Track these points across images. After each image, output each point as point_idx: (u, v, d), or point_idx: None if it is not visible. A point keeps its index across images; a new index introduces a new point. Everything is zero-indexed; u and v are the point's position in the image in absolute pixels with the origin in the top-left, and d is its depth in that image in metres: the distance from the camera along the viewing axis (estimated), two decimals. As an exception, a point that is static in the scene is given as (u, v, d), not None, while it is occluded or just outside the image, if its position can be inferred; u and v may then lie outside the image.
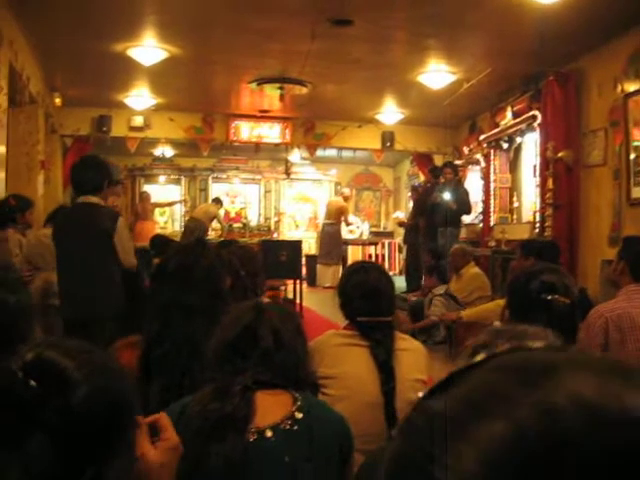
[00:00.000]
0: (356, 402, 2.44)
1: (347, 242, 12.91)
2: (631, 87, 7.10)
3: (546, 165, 8.14)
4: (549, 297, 2.20)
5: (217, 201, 13.43)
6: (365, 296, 2.66)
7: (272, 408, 1.69)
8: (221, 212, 14.18)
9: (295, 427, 1.67)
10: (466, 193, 9.64)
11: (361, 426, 2.11)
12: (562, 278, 2.31)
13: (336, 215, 12.29)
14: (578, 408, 0.38)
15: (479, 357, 0.46)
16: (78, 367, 0.93)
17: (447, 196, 9.27)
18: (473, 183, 11.03)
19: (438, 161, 12.11)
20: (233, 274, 3.78)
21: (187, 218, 13.96)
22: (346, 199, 12.85)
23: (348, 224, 13.20)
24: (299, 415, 1.70)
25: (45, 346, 0.96)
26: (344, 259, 11.87)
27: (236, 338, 1.79)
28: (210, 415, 1.61)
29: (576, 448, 0.36)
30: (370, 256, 13.89)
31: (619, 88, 7.33)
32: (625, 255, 3.87)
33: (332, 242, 12.00)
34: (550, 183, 8.07)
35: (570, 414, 0.38)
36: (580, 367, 0.42)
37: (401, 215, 13.52)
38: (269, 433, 1.65)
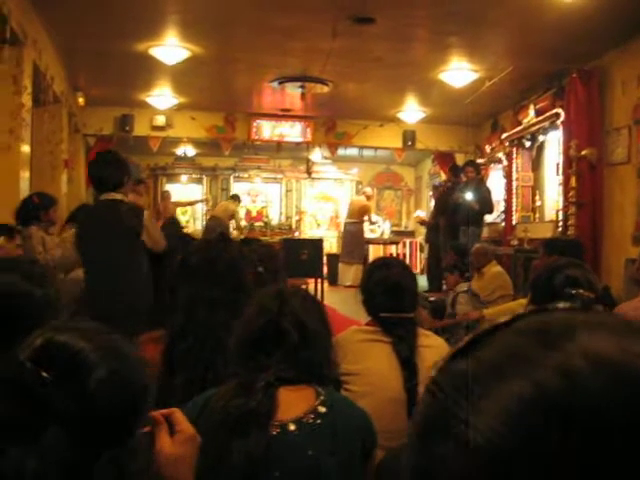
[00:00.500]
0: (379, 398, 2.43)
1: (369, 241, 12.86)
2: None
3: (569, 163, 8.07)
4: (573, 291, 2.19)
5: (235, 198, 13.48)
6: (388, 292, 2.65)
7: (295, 403, 1.69)
8: (241, 210, 14.23)
9: (318, 421, 1.67)
10: (488, 192, 9.57)
11: (383, 422, 2.10)
12: (586, 273, 2.32)
13: (359, 214, 12.24)
14: (597, 368, 0.39)
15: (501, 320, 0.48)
16: (95, 349, 0.90)
17: (469, 195, 9.21)
18: (495, 182, 10.97)
19: (460, 160, 12.05)
20: (253, 271, 3.87)
21: (208, 217, 14.03)
22: (369, 198, 12.77)
23: (372, 223, 13.17)
24: (322, 409, 1.69)
25: (54, 330, 0.92)
26: (365, 258, 11.81)
27: (259, 333, 1.77)
28: (233, 410, 1.60)
29: (596, 407, 0.37)
30: (391, 255, 13.55)
31: None
32: None
33: (354, 241, 11.96)
34: (573, 181, 8.00)
35: (589, 374, 0.39)
36: (599, 327, 0.43)
37: (422, 214, 13.47)
38: (292, 427, 1.65)
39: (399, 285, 2.68)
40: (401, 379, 2.47)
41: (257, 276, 3.78)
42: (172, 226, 8.29)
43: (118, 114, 11.47)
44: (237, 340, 1.80)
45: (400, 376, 2.48)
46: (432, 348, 2.62)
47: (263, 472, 1.57)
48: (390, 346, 2.55)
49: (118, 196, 4.19)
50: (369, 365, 2.54)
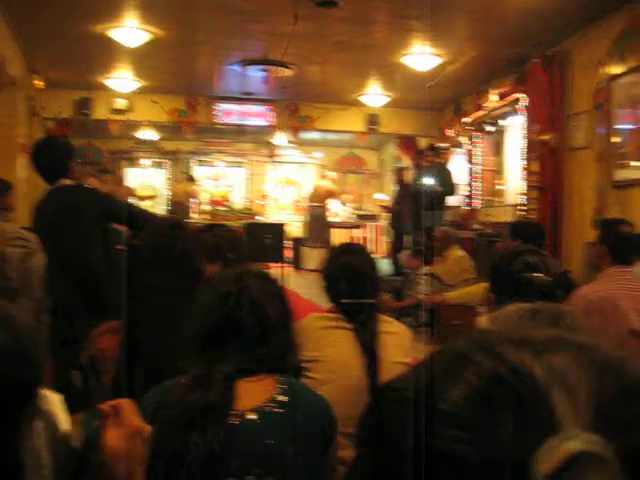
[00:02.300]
0: (340, 385, 2.43)
1: (332, 225, 12.84)
2: (616, 70, 7.09)
3: (531, 148, 8.17)
4: (532, 275, 2.24)
5: (191, 179, 13.37)
6: (349, 278, 2.65)
7: (255, 393, 1.66)
8: (204, 194, 14.06)
9: (279, 410, 1.65)
10: (449, 174, 9.63)
11: (345, 409, 2.06)
12: (544, 258, 2.36)
13: (324, 198, 12.21)
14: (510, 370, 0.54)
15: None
16: None
17: (431, 179, 9.25)
18: (458, 166, 10.96)
19: (422, 144, 11.98)
20: (221, 258, 3.80)
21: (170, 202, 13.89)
22: (334, 182, 12.79)
23: (344, 203, 13.08)
24: (283, 398, 1.68)
25: None
26: (328, 242, 11.81)
27: (216, 326, 1.73)
28: (190, 405, 1.57)
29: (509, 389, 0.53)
30: (353, 240, 13.51)
31: (603, 71, 7.32)
32: (605, 238, 4.04)
33: (318, 225, 11.96)
34: (535, 166, 8.10)
35: (505, 372, 0.54)
36: (517, 343, 0.57)
37: (382, 197, 13.46)
38: (252, 416, 1.62)
39: (360, 271, 2.68)
40: (362, 366, 2.48)
41: (227, 262, 3.81)
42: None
43: (77, 97, 11.27)
44: (193, 331, 1.75)
45: (361, 363, 2.48)
46: (393, 334, 2.63)
47: (223, 463, 1.55)
48: (351, 332, 2.55)
49: (68, 181, 3.99)
50: (330, 352, 2.54)
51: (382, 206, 12.76)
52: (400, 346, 2.62)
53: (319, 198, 12.32)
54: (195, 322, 1.76)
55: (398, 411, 0.57)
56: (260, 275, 1.89)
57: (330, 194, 12.28)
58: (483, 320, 1.13)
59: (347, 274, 2.67)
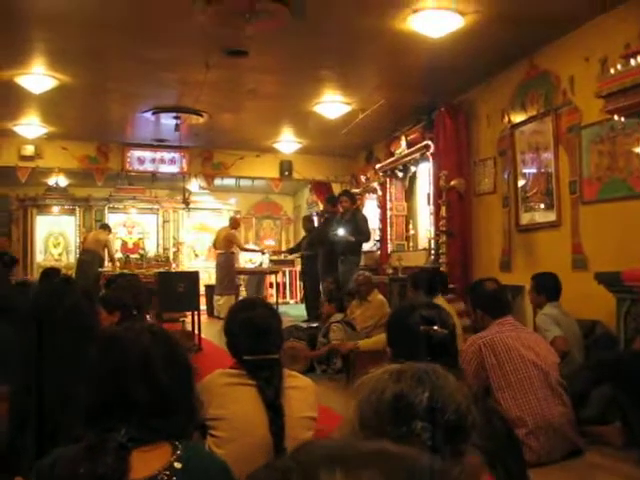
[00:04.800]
0: (245, 443, 2.39)
1: (245, 271, 12.77)
2: (517, 118, 7.39)
3: (439, 193, 8.31)
4: (428, 328, 2.30)
5: (105, 227, 13.07)
6: (252, 334, 2.62)
7: (150, 462, 1.58)
8: (116, 241, 13.74)
9: (173, 478, 1.58)
10: (364, 220, 9.66)
11: (251, 467, 2.01)
12: (439, 312, 2.42)
13: (225, 244, 12.05)
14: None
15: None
16: None
17: (345, 226, 9.30)
18: (371, 211, 11.12)
19: (336, 189, 12.24)
20: (120, 308, 3.69)
21: (80, 250, 13.50)
22: (234, 226, 12.60)
23: (243, 250, 13.06)
24: (178, 465, 1.60)
25: None
26: (237, 289, 11.85)
27: (108, 395, 1.64)
28: (81, 478, 1.48)
29: None
30: (271, 285, 13.75)
31: (506, 119, 7.60)
32: (476, 304, 4.32)
33: (224, 272, 11.78)
34: (443, 211, 8.23)
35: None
36: (333, 461, 0.60)
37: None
38: None
39: (263, 326, 2.65)
40: (267, 423, 2.45)
41: (125, 312, 3.72)
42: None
43: (-16, 143, 10.92)
44: (85, 400, 1.66)
45: (266, 420, 2.45)
46: (299, 389, 2.61)
47: None
48: (255, 389, 2.52)
49: None
50: (234, 409, 2.49)
51: (274, 252, 12.91)
52: (305, 401, 2.60)
53: (220, 244, 12.16)
54: (87, 388, 1.67)
55: None
56: (158, 336, 1.75)
57: (229, 239, 12.10)
58: (357, 383, 1.14)
59: (249, 330, 2.63)
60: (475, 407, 1.15)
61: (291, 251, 12.37)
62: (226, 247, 11.99)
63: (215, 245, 12.41)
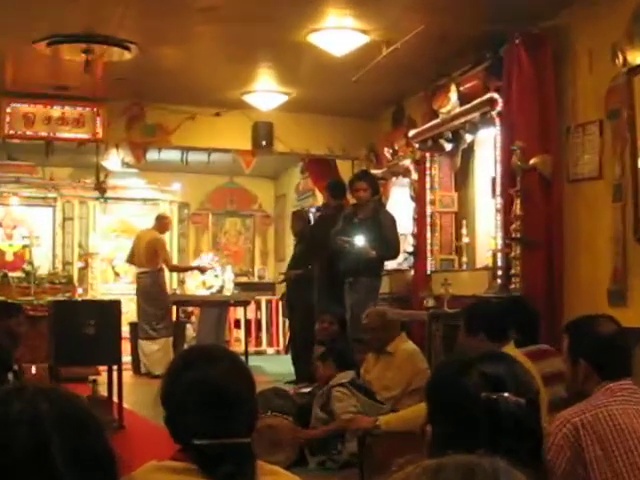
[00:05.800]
0: None
1: (196, 301, 10.25)
2: (638, 58, 6.02)
3: (511, 178, 6.82)
4: (493, 396, 1.78)
5: None
6: (206, 404, 1.97)
7: None
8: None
9: None
10: (393, 221, 7.71)
11: None
12: (512, 368, 1.92)
13: (148, 257, 9.48)
14: None
15: None
16: None
17: (361, 231, 7.43)
18: (399, 205, 9.29)
19: (345, 171, 10.16)
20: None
21: None
22: (164, 226, 10.00)
23: (172, 268, 10.52)
24: None
25: None
26: (170, 330, 9.42)
27: None
28: None
29: None
30: (238, 323, 11.35)
31: (621, 58, 6.23)
32: (582, 351, 3.25)
33: (149, 302, 9.31)
34: (518, 207, 6.75)
35: None
36: None
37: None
38: None
39: (225, 392, 2.00)
40: None
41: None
42: None
43: None
44: None
45: None
46: None
47: None
48: None
49: None
50: None
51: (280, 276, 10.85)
52: None
53: (140, 259, 9.65)
54: None
55: None
56: (61, 407, 1.21)
57: (154, 248, 9.55)
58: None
59: (202, 398, 1.98)
60: None
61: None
62: (151, 262, 9.45)
63: (132, 259, 9.83)
